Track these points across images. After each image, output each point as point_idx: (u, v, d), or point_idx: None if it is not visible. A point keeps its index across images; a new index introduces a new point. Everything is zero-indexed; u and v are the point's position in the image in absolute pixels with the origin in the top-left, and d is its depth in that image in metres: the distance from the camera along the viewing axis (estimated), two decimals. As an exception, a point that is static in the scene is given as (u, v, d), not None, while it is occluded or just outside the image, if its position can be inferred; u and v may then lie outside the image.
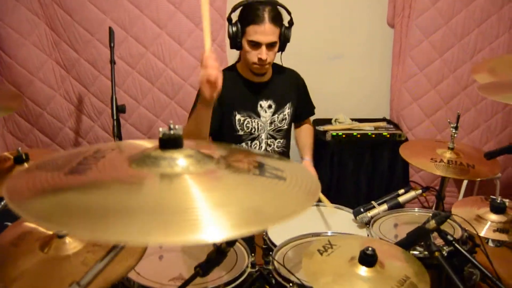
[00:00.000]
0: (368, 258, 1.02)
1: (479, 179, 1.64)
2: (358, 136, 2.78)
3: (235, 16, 1.87)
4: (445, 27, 2.72)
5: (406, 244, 1.22)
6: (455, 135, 1.77)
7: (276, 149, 2.08)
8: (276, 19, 1.82)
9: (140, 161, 0.73)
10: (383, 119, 3.04)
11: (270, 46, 1.83)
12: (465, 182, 2.75)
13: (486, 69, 1.87)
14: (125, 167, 0.73)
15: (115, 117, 2.00)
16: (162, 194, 0.67)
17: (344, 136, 2.77)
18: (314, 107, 2.29)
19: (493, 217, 1.27)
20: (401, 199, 1.74)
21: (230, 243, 0.99)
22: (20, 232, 1.15)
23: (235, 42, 1.87)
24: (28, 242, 1.11)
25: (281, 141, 2.08)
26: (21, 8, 2.47)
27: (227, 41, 1.92)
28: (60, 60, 2.61)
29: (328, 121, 2.97)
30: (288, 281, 1.23)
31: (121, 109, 2.03)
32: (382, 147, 2.80)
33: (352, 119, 2.98)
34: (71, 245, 1.09)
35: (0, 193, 1.31)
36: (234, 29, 1.85)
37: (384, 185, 2.88)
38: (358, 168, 2.84)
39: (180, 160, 0.73)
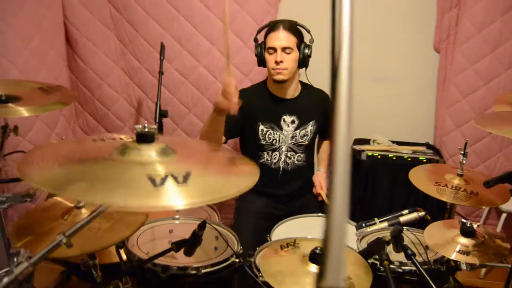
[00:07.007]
0: (317, 257, 1.15)
1: (483, 207, 1.66)
2: (394, 158, 2.81)
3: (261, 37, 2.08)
4: (491, 55, 2.69)
5: (366, 253, 1.32)
6: (464, 162, 1.80)
7: (296, 162, 2.21)
8: (291, 28, 1.99)
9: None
10: (425, 144, 3.03)
11: (285, 52, 1.98)
12: (486, 209, 2.66)
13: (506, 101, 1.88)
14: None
15: (157, 120, 2.28)
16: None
17: (379, 157, 2.80)
18: None
19: (463, 240, 1.31)
20: (402, 219, 1.81)
21: (201, 227, 1.18)
22: (51, 203, 1.43)
23: (260, 58, 2.07)
24: (54, 210, 1.38)
25: (301, 155, 2.21)
26: (96, 21, 2.87)
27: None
28: (125, 68, 2.99)
29: (366, 141, 3.02)
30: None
31: (163, 114, 2.30)
32: (418, 171, 2.80)
33: (393, 141, 3.02)
34: (86, 215, 1.34)
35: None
36: (259, 47, 2.06)
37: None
38: (392, 189, 2.86)
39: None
